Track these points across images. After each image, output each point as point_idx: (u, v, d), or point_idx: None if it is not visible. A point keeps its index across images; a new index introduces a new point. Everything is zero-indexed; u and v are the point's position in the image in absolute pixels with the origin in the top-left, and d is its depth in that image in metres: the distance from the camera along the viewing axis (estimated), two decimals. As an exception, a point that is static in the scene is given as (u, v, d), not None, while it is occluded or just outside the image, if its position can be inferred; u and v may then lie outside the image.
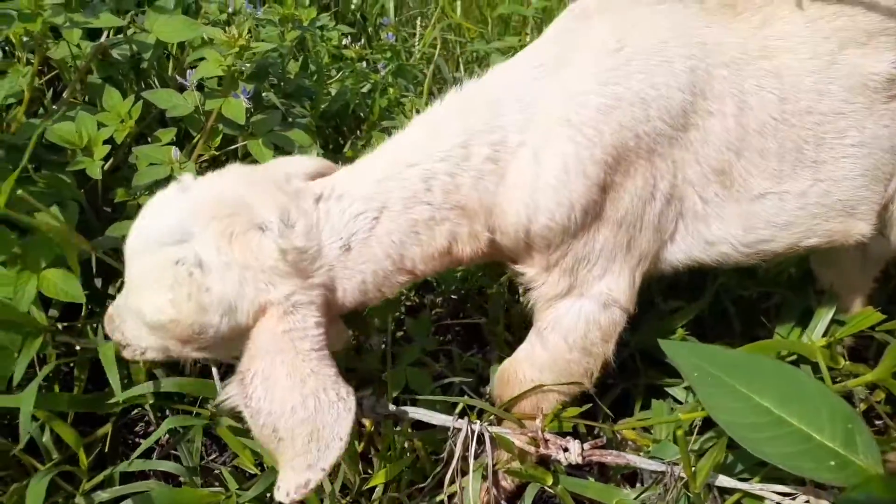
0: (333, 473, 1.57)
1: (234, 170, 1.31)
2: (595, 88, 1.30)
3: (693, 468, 1.17)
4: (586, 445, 1.26)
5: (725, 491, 1.30)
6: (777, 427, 1.01)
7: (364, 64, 2.34)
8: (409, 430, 1.53)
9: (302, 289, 1.21)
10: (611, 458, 1.24)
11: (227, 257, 1.16)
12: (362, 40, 2.74)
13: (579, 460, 1.24)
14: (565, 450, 1.25)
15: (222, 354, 1.30)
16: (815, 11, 1.38)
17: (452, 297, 2.10)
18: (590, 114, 1.29)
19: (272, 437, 1.15)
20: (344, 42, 2.42)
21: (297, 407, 1.14)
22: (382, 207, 1.28)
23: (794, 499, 1.20)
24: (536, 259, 1.39)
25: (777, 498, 1.19)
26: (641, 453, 1.52)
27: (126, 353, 1.33)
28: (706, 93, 1.33)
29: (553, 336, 1.43)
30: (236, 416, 1.25)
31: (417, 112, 2.34)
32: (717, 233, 1.41)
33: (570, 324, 1.41)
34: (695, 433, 1.43)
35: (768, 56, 1.36)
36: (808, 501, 1.18)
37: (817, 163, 1.39)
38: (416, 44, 3.02)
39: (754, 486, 1.21)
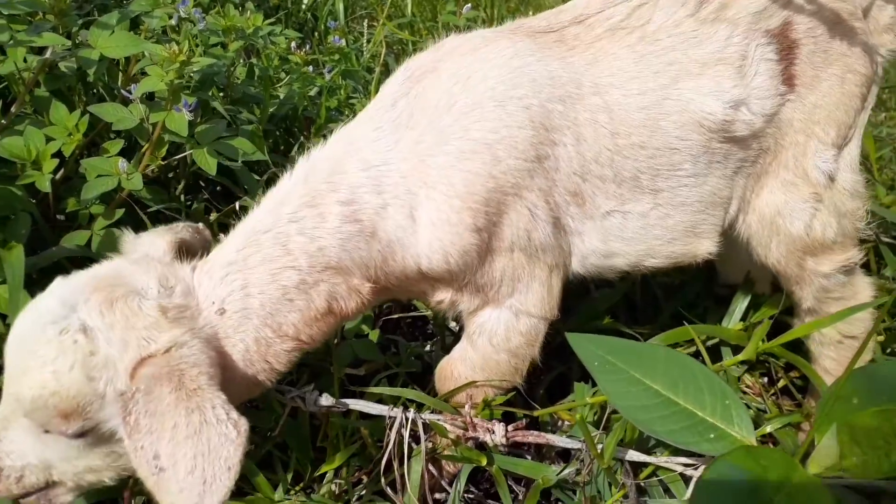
0: (285, 463, 1.68)
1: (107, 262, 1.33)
2: (438, 148, 1.36)
3: (601, 445, 1.29)
4: (510, 427, 1.37)
5: (641, 464, 1.43)
6: (666, 407, 1.14)
7: (311, 67, 2.40)
8: (357, 419, 1.63)
9: (185, 335, 1.18)
10: (532, 437, 1.36)
11: (110, 319, 1.16)
12: (311, 43, 2.80)
13: (504, 441, 1.35)
14: (491, 432, 1.37)
15: (102, 440, 1.21)
16: (644, 47, 1.44)
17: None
18: (438, 171, 1.35)
19: (153, 467, 1.04)
20: (292, 45, 2.48)
21: (179, 424, 1.05)
22: (245, 269, 1.30)
23: (696, 468, 1.33)
24: (444, 289, 1.48)
25: (680, 469, 1.32)
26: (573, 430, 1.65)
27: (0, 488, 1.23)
28: (547, 125, 1.40)
29: (480, 340, 1.53)
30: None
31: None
32: (588, 245, 1.52)
33: (493, 329, 1.51)
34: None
35: (600, 92, 1.42)
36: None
37: (655, 190, 1.49)
38: (366, 44, 3.09)
39: (660, 459, 1.34)
